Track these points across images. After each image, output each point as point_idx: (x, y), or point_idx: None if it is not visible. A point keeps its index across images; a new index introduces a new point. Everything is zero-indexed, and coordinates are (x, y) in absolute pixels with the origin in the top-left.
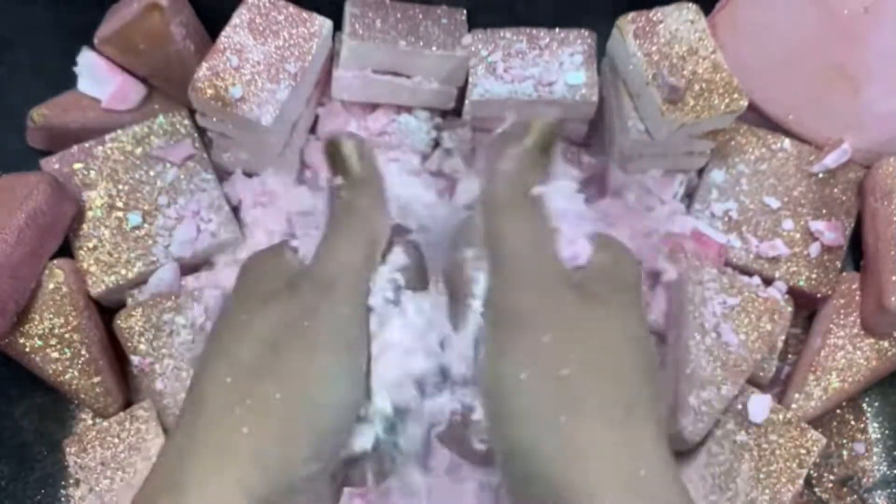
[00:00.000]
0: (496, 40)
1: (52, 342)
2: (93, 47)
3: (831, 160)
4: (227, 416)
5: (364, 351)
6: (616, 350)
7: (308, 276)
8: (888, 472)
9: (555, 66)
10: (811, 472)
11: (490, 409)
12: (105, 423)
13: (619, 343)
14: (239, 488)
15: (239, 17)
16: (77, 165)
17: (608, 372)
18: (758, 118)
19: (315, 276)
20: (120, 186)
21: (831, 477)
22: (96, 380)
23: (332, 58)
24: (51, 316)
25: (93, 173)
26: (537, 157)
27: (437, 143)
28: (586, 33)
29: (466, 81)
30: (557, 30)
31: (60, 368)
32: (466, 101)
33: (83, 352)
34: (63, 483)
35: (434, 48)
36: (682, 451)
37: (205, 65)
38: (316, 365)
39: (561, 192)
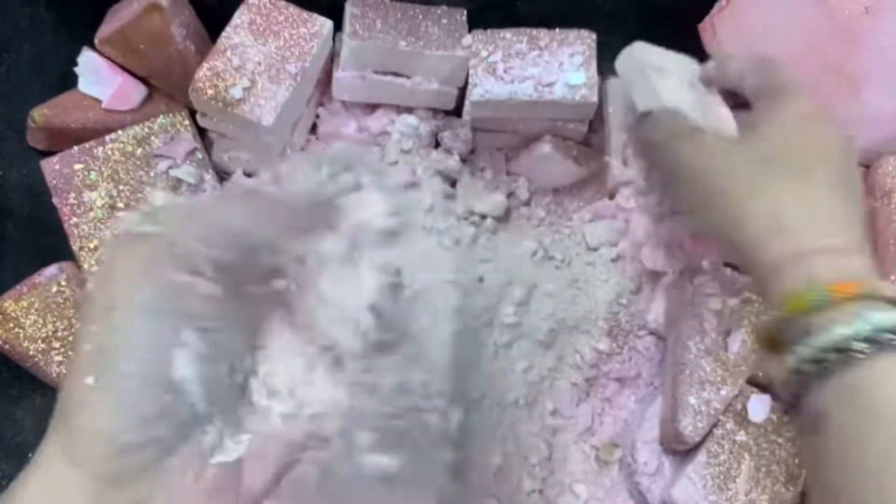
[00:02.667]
0: (496, 41)
1: (55, 345)
2: (93, 47)
3: None
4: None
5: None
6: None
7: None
8: None
9: (555, 66)
10: None
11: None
12: None
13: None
14: (66, 459)
15: (239, 18)
16: (77, 166)
17: (789, 167)
18: None
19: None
20: (121, 187)
21: None
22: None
23: (332, 58)
24: (53, 319)
25: (93, 174)
26: None
27: (437, 144)
28: (586, 34)
29: (466, 82)
30: (557, 30)
31: (64, 371)
32: (466, 102)
33: None
34: None
35: (434, 49)
36: (682, 451)
37: (205, 65)
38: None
39: None
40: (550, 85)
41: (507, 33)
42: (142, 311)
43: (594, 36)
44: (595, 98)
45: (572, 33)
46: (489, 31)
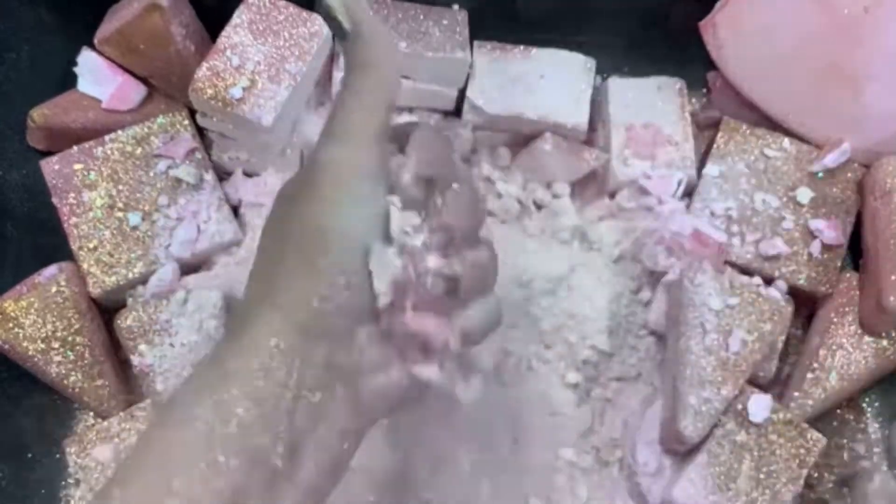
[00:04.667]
0: (496, 54)
1: (55, 345)
2: (93, 47)
3: (831, 160)
4: (263, 253)
5: (379, 201)
6: None
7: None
8: (888, 472)
9: (554, 94)
10: (811, 472)
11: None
12: (105, 423)
13: None
14: (280, 313)
15: (239, 17)
16: (77, 166)
17: None
18: (758, 117)
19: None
20: (120, 187)
21: (831, 477)
22: (99, 382)
23: (332, 58)
24: (53, 319)
25: (93, 174)
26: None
27: None
28: (583, 59)
29: (466, 83)
30: (561, 53)
31: (64, 371)
32: (466, 103)
33: (86, 354)
34: (63, 483)
35: (435, 50)
36: (682, 451)
37: (205, 65)
38: (323, 194)
39: None
40: (549, 111)
41: (508, 46)
42: None
43: (594, 62)
44: (584, 128)
45: (574, 58)
46: (490, 43)
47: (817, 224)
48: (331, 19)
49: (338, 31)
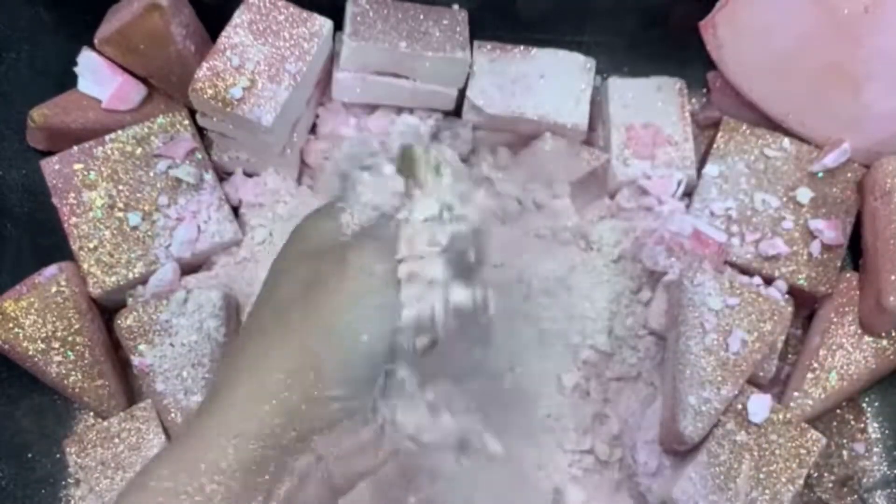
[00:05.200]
0: (496, 54)
1: (55, 345)
2: (93, 47)
3: (831, 160)
4: (263, 340)
5: (395, 312)
6: None
7: (358, 237)
8: (888, 472)
9: (555, 94)
10: (811, 471)
11: None
12: (105, 423)
13: None
14: (274, 404)
15: (239, 17)
16: (77, 166)
17: None
18: (758, 117)
19: (365, 238)
20: (120, 187)
21: (831, 477)
22: (99, 382)
23: (332, 58)
24: (53, 319)
25: (93, 174)
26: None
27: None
28: (583, 58)
29: (467, 83)
30: (561, 53)
31: (64, 371)
32: (466, 103)
33: (86, 354)
34: (63, 483)
35: (435, 50)
36: (682, 451)
37: (205, 65)
38: (341, 300)
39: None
40: (549, 111)
41: (508, 46)
42: None
43: (594, 62)
44: (584, 128)
45: (575, 58)
46: (490, 44)
47: (817, 224)
48: (408, 169)
49: (411, 179)
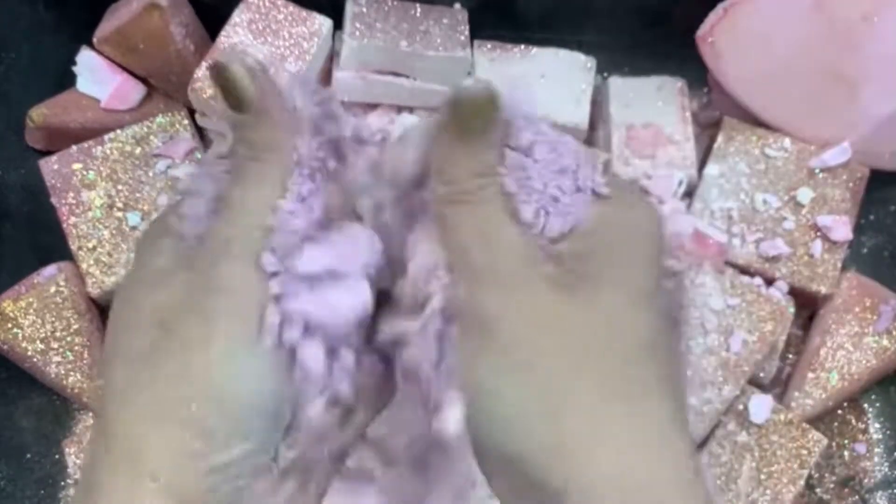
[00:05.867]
0: (497, 54)
1: (54, 345)
2: (92, 47)
3: (830, 156)
4: (129, 409)
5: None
6: (606, 334)
7: (202, 242)
8: (889, 473)
9: (555, 93)
10: (812, 472)
11: (472, 421)
12: None
13: (609, 326)
14: (155, 485)
15: (238, 17)
16: (76, 166)
17: (598, 359)
18: (757, 125)
19: (210, 239)
20: (119, 187)
21: (832, 477)
22: (99, 382)
23: (332, 57)
24: (52, 319)
25: (92, 173)
26: (468, 141)
27: None
28: (583, 58)
29: None
30: (562, 52)
31: (63, 372)
32: None
33: (85, 354)
34: (62, 483)
35: (435, 49)
36: None
37: (204, 64)
38: (213, 337)
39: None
40: (549, 111)
41: (509, 45)
42: None
43: (594, 62)
44: (585, 127)
45: (576, 57)
46: (490, 43)
47: (825, 220)
48: (228, 87)
49: (234, 102)
